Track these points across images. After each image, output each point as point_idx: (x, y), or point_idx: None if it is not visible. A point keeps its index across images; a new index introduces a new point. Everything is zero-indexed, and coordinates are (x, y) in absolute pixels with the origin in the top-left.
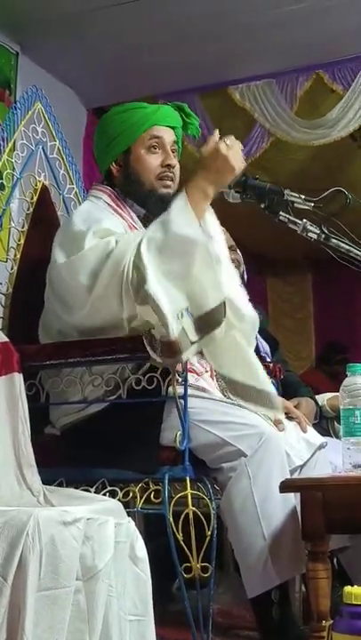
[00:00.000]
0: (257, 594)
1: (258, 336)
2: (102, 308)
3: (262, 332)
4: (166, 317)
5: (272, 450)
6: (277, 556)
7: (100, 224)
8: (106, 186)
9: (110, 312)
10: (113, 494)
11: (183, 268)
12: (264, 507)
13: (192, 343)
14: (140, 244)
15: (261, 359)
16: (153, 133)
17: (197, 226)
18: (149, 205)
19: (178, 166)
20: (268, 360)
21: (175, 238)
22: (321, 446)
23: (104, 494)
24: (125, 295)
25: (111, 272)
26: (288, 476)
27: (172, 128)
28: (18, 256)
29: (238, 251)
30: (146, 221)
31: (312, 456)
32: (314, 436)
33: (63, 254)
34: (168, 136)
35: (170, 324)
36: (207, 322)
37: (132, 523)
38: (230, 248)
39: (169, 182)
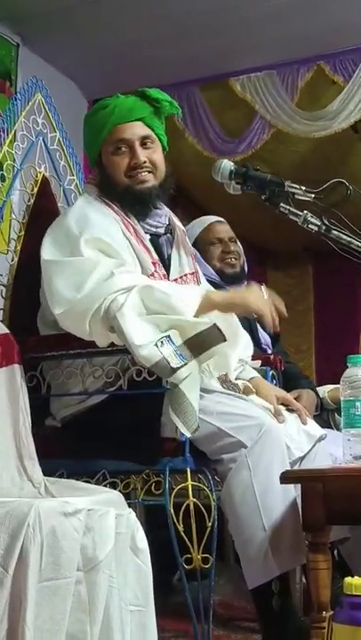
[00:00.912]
0: (257, 585)
1: (259, 328)
2: (71, 324)
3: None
4: (134, 350)
5: (272, 441)
6: (278, 547)
7: (93, 230)
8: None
9: (78, 329)
10: (114, 486)
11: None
12: (264, 498)
13: (173, 370)
14: (124, 303)
15: (262, 351)
16: (116, 136)
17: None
18: (127, 204)
19: (156, 155)
20: (269, 352)
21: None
22: (321, 438)
23: (105, 486)
24: (93, 321)
25: (90, 299)
26: (288, 468)
27: (140, 119)
28: (18, 248)
29: (238, 242)
30: (138, 214)
31: (312, 448)
32: (314, 428)
33: (51, 252)
34: (135, 130)
35: (139, 355)
36: (196, 344)
37: (133, 514)
38: (230, 240)
39: (143, 178)
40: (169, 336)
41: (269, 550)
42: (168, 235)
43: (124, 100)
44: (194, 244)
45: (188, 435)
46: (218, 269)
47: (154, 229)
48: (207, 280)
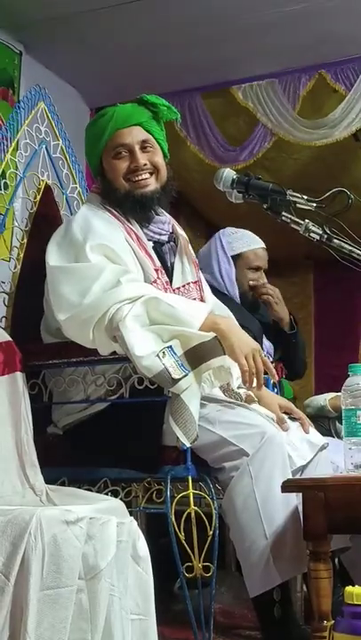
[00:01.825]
0: (259, 593)
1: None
2: (74, 331)
3: (267, 331)
4: (135, 361)
5: (274, 449)
6: (279, 556)
7: (97, 236)
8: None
9: (81, 336)
10: (115, 494)
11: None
12: (266, 506)
13: (174, 380)
14: (128, 313)
15: None
16: (116, 141)
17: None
18: (129, 209)
19: (157, 158)
20: (271, 359)
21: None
22: (323, 447)
23: (106, 493)
24: (96, 329)
25: (95, 307)
26: (290, 476)
27: (139, 124)
28: (21, 255)
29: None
30: (141, 221)
31: (314, 457)
32: (316, 437)
33: (57, 258)
34: (135, 135)
35: (141, 366)
36: (197, 355)
37: (135, 522)
38: (264, 270)
39: (142, 181)
40: (171, 346)
41: (271, 558)
42: (171, 243)
43: (123, 107)
44: (235, 256)
45: (187, 444)
46: (243, 292)
47: (157, 237)
48: (216, 291)
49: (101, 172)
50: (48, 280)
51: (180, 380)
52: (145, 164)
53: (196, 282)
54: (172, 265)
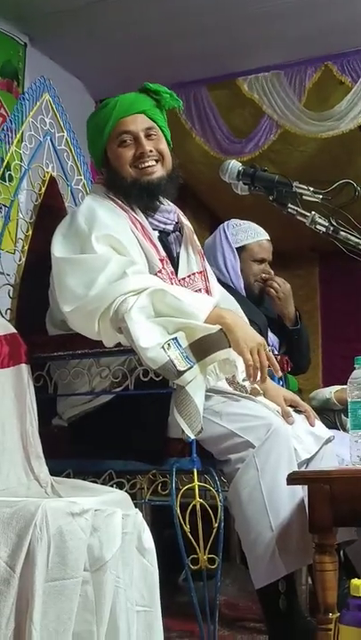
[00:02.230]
0: (264, 584)
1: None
2: (79, 322)
3: (272, 324)
4: (140, 352)
5: (280, 441)
6: (285, 548)
7: (102, 227)
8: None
9: (86, 328)
10: (120, 486)
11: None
12: (272, 498)
13: (179, 372)
14: (133, 305)
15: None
16: (120, 128)
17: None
18: (135, 197)
19: (162, 146)
20: (276, 353)
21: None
22: (328, 440)
23: (111, 486)
24: (102, 320)
25: (101, 298)
26: (296, 468)
27: (142, 112)
28: (26, 247)
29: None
30: (147, 210)
31: (320, 449)
32: (321, 430)
33: (62, 249)
34: (139, 123)
35: (146, 358)
36: (202, 347)
37: (140, 514)
38: (269, 262)
39: (149, 168)
40: (176, 338)
41: (276, 550)
42: (177, 233)
43: (126, 96)
44: (239, 248)
45: (191, 436)
46: (248, 284)
47: (162, 226)
48: (222, 284)
49: (105, 162)
50: (53, 271)
51: (184, 371)
52: (151, 151)
53: (201, 272)
54: (178, 255)
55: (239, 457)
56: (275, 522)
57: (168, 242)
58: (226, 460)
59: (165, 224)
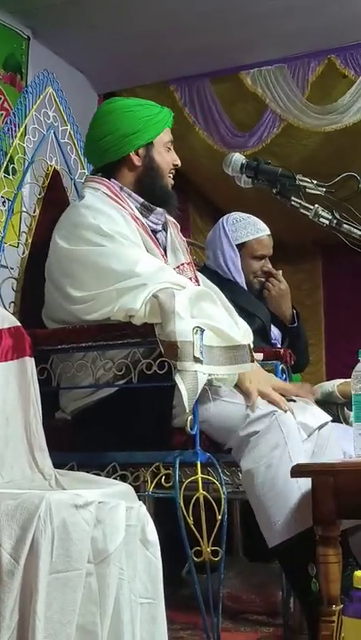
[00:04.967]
0: (293, 535)
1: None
2: (104, 304)
3: (274, 318)
4: (172, 319)
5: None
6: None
7: (110, 222)
8: (101, 177)
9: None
10: (124, 478)
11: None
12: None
13: (195, 358)
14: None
15: (272, 345)
16: (168, 133)
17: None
18: (158, 196)
19: None
20: (279, 346)
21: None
22: (321, 427)
23: (115, 478)
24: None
25: (149, 278)
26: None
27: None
28: (29, 241)
29: None
30: (143, 210)
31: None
32: (312, 419)
33: (67, 242)
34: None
35: (175, 327)
36: (218, 354)
37: (144, 507)
38: (269, 258)
39: (172, 179)
40: (204, 331)
41: (304, 505)
42: (163, 231)
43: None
44: (239, 245)
45: (186, 401)
46: (248, 281)
47: (154, 226)
48: (223, 279)
49: (147, 149)
50: (62, 264)
51: (199, 359)
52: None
53: (189, 263)
54: (165, 248)
55: (261, 421)
56: (302, 484)
57: (159, 240)
58: (252, 433)
59: (156, 224)
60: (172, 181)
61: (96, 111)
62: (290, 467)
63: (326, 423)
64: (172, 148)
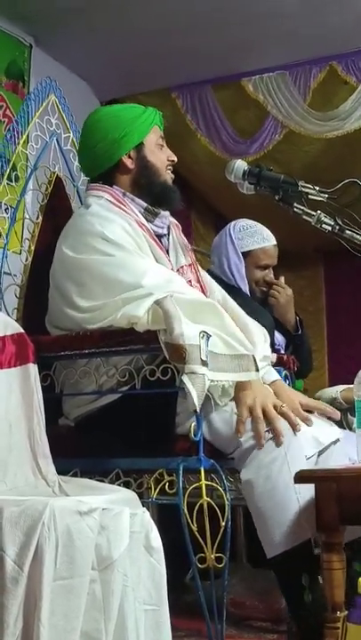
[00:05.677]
0: (288, 548)
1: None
2: (109, 312)
3: (278, 325)
4: (179, 324)
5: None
6: (307, 517)
7: (117, 229)
8: (103, 185)
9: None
10: (127, 485)
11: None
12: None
13: (203, 361)
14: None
15: (275, 352)
16: (157, 131)
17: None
18: (159, 194)
19: None
20: (283, 353)
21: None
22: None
23: (118, 485)
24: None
25: (155, 287)
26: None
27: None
28: (32, 248)
29: None
30: (148, 214)
31: (327, 449)
32: (324, 435)
33: (74, 250)
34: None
35: (182, 331)
36: (223, 362)
37: (147, 513)
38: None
39: (171, 174)
40: (210, 337)
41: (302, 517)
42: (167, 235)
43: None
44: (245, 253)
45: (195, 401)
46: (252, 289)
47: (159, 230)
48: (227, 285)
49: (139, 150)
50: (72, 273)
51: (206, 362)
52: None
53: (190, 265)
54: (167, 250)
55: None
56: (301, 496)
57: (163, 244)
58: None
59: (161, 228)
60: (172, 175)
61: (84, 123)
62: (289, 478)
63: (338, 440)
64: (165, 145)
